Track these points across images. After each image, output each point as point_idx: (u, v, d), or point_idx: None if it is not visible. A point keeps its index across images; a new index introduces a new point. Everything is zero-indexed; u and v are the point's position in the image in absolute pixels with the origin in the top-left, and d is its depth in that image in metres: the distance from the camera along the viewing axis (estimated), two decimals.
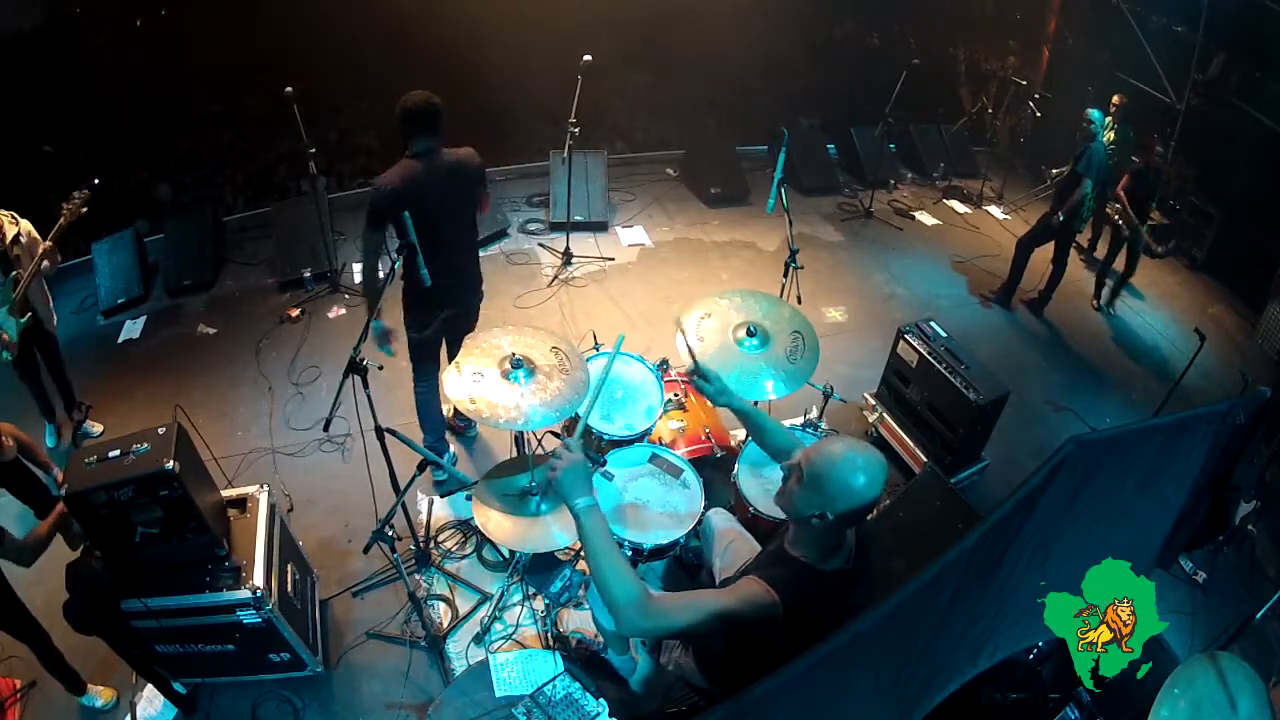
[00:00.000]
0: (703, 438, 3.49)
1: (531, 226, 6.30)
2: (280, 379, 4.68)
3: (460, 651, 3.16)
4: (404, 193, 3.03)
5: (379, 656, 3.18)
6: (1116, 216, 5.71)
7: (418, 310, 3.40)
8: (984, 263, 6.24)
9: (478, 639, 3.20)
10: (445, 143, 3.21)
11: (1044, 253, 5.59)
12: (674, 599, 1.83)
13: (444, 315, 3.46)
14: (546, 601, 3.32)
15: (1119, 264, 5.84)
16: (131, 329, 5.14)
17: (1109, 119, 6.26)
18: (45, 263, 3.57)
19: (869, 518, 2.07)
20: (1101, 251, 6.12)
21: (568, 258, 5.75)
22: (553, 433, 3.50)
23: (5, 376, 3.91)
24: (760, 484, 3.16)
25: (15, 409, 4.05)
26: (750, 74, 8.39)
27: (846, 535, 1.96)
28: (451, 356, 3.65)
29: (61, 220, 3.57)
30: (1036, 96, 7.62)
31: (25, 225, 3.60)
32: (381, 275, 3.16)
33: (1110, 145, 6.24)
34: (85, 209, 3.63)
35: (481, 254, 5.77)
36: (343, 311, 5.24)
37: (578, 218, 6.01)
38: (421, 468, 2.90)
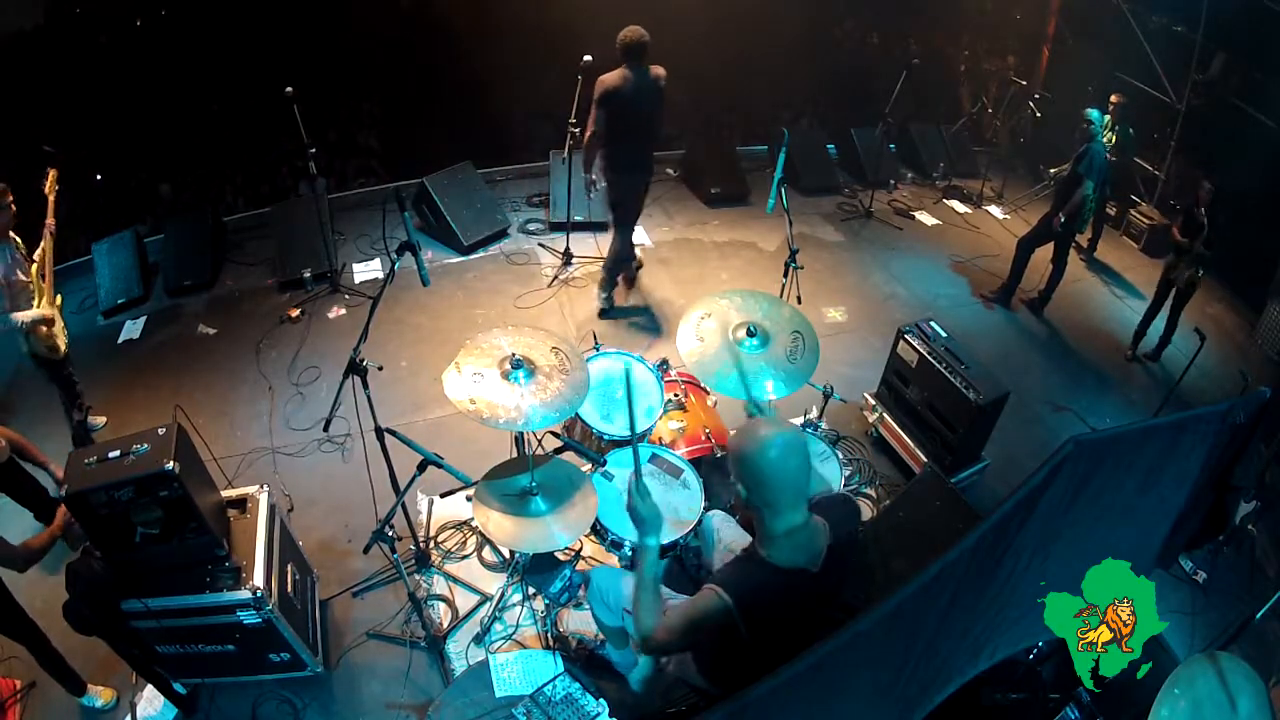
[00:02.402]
0: (703, 438, 3.50)
1: (531, 226, 6.30)
2: (280, 379, 4.68)
3: (460, 652, 3.16)
4: (612, 89, 4.37)
5: (379, 656, 3.19)
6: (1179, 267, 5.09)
7: (608, 177, 4.75)
8: (984, 263, 6.24)
9: (478, 639, 3.20)
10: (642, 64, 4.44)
11: (1044, 252, 5.59)
12: (665, 627, 2.02)
13: (623, 181, 4.77)
14: (546, 602, 3.32)
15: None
16: (131, 329, 5.13)
17: (1108, 119, 6.25)
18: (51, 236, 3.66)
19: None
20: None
21: (568, 258, 5.75)
22: (552, 433, 3.50)
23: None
24: None
25: (8, 408, 4.07)
26: (750, 74, 8.39)
27: (813, 536, 1.95)
28: (618, 223, 5.09)
29: (50, 198, 3.67)
30: (1036, 96, 7.62)
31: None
32: (381, 276, 3.20)
33: (1110, 145, 6.24)
34: (58, 182, 3.73)
35: (481, 254, 5.88)
36: (343, 311, 5.24)
37: (578, 218, 6.01)
38: (422, 468, 2.90)
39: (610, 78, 4.39)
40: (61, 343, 3.71)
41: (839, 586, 2.10)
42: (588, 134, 4.57)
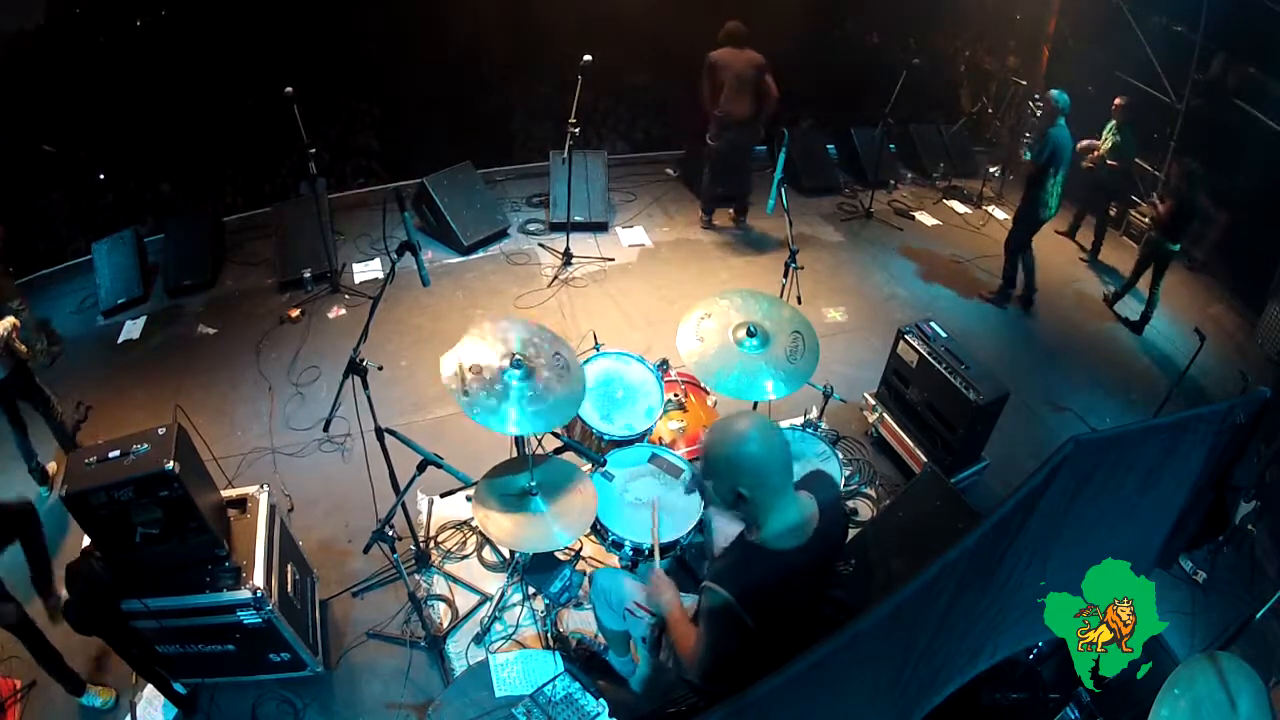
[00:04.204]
0: (703, 438, 3.49)
1: (532, 226, 6.30)
2: (280, 379, 4.68)
3: (460, 652, 3.16)
4: (714, 59, 5.63)
5: (379, 656, 3.19)
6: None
7: (712, 130, 5.90)
8: (984, 263, 6.24)
9: (478, 639, 3.20)
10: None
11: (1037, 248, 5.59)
12: (696, 655, 2.04)
13: (727, 132, 5.84)
14: (546, 602, 3.32)
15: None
16: (131, 329, 5.14)
17: (1111, 123, 6.25)
18: None
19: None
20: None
21: (568, 258, 5.75)
22: (553, 433, 3.50)
23: None
24: None
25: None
26: None
27: (800, 513, 1.95)
28: (738, 165, 6.17)
29: None
30: (1036, 96, 7.60)
31: None
32: (381, 276, 3.21)
33: (1109, 149, 6.23)
34: None
35: (481, 254, 5.89)
36: (343, 311, 5.24)
37: (578, 218, 6.01)
38: (422, 468, 2.90)
39: (714, 52, 5.66)
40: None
41: (836, 548, 2.12)
42: (704, 97, 5.83)
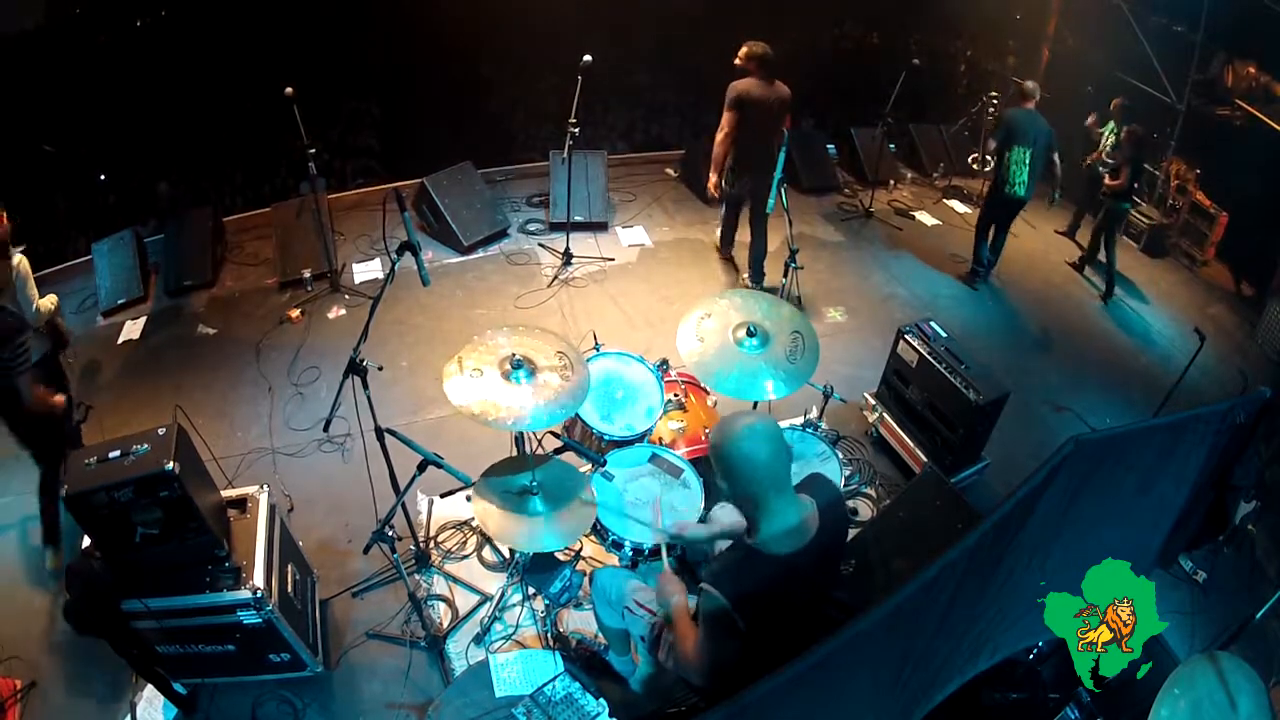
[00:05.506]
0: (703, 438, 3.50)
1: (531, 227, 6.30)
2: (280, 379, 4.68)
3: (460, 652, 3.16)
4: (743, 94, 4.85)
5: (379, 656, 3.19)
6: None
7: (729, 176, 5.20)
8: None
9: (478, 639, 3.20)
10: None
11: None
12: (697, 657, 2.07)
13: (746, 178, 5.16)
14: (546, 602, 3.32)
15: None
16: (131, 329, 5.13)
17: (1111, 124, 6.26)
18: None
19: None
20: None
21: (568, 258, 5.75)
22: (552, 433, 3.49)
23: None
24: None
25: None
26: None
27: (799, 515, 1.96)
28: (753, 216, 5.39)
29: None
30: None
31: None
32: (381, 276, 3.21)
33: (1110, 149, 6.25)
34: None
35: (481, 254, 5.88)
36: (343, 312, 5.24)
37: (578, 218, 6.01)
38: (422, 468, 2.90)
39: (742, 83, 4.88)
40: None
41: (836, 552, 2.13)
42: (719, 136, 4.99)
